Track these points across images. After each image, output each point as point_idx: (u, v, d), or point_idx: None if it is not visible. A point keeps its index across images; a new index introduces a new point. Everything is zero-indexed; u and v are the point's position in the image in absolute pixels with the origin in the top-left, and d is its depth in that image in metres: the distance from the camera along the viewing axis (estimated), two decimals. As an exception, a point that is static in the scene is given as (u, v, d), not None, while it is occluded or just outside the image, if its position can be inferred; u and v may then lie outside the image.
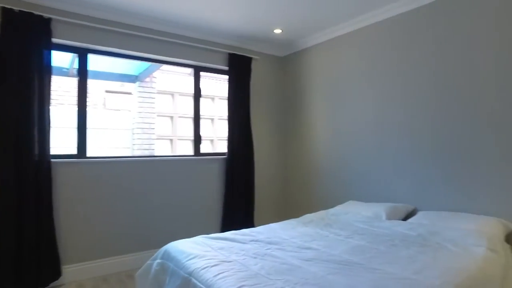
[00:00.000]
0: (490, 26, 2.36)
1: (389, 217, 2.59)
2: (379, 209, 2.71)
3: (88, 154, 2.99)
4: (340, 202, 3.37)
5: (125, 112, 4.71)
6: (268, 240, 2.13)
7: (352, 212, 2.82)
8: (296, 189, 4.04)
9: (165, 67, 4.62)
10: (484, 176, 2.38)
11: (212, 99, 6.18)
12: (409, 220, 2.49)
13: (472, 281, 1.49)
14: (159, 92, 5.10)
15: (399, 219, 2.61)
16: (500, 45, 2.32)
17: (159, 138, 5.05)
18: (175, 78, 5.38)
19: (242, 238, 2.17)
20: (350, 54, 3.38)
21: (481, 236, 1.96)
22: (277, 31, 3.56)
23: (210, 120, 6.11)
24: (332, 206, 3.32)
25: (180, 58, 3.43)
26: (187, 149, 5.34)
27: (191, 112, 3.74)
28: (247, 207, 3.76)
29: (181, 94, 5.58)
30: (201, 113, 3.68)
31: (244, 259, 1.76)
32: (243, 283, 1.43)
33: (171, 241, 2.21)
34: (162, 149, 5.06)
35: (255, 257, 1.78)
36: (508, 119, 2.27)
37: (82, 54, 2.99)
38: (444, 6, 2.62)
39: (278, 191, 4.22)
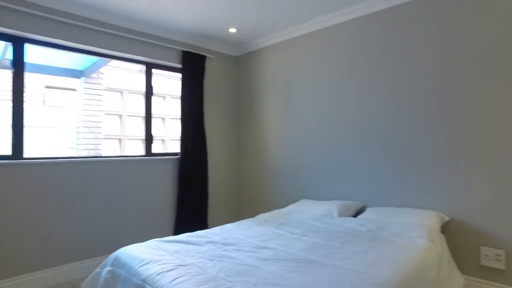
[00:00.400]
0: (432, 33, 2.58)
1: (340, 214, 2.70)
2: (331, 206, 2.82)
3: (26, 155, 2.71)
4: (294, 201, 3.45)
5: (69, 110, 4.36)
6: (225, 241, 2.10)
7: (306, 210, 2.89)
8: (250, 189, 4.05)
9: (113, 62, 4.37)
10: (423, 174, 2.59)
11: (164, 97, 5.98)
12: (359, 217, 2.62)
13: (416, 270, 1.61)
14: (107, 89, 4.80)
15: (350, 216, 2.73)
16: (439, 49, 2.53)
17: (107, 137, 4.75)
18: (124, 75, 5.11)
19: (198, 240, 2.11)
20: (303, 55, 3.47)
21: (421, 228, 2.13)
22: (232, 30, 3.54)
23: (161, 120, 5.90)
24: (286, 205, 3.39)
25: (131, 53, 3.26)
26: (137, 149, 5.10)
27: (141, 111, 3.57)
28: (201, 208, 3.69)
29: (131, 92, 5.32)
30: (152, 111, 3.54)
31: (201, 262, 1.71)
32: (201, 287, 1.39)
33: (121, 246, 2.09)
34: (110, 149, 4.77)
35: (212, 259, 1.75)
36: (442, 121, 2.49)
37: (18, 43, 2.70)
38: (396, 13, 2.80)
39: (232, 191, 4.20)
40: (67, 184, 2.84)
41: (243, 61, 4.18)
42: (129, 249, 1.93)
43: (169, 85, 5.67)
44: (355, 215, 2.77)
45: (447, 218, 2.41)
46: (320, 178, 3.31)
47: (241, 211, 4.13)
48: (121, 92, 5.19)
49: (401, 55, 2.74)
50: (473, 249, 2.36)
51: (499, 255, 2.25)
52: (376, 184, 2.88)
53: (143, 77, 3.55)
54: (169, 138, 5.90)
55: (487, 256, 2.30)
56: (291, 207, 3.07)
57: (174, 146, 5.95)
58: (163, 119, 5.92)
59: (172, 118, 5.94)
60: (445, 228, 2.41)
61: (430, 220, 2.28)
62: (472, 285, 2.32)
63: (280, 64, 3.71)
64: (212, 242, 2.07)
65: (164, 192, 3.48)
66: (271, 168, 3.78)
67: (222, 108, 4.10)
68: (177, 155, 3.61)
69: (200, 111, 3.72)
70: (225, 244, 2.03)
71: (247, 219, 2.80)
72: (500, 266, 2.25)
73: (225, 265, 1.65)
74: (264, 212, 3.10)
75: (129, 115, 5.27)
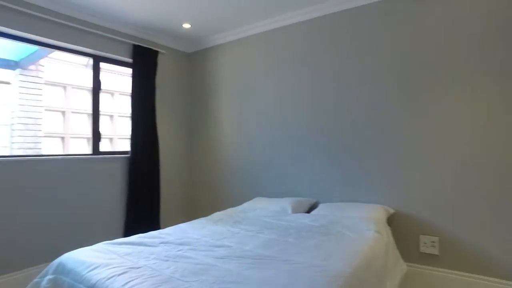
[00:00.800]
0: (378, 37, 2.74)
1: (294, 211, 2.77)
2: (285, 203, 2.88)
3: None
4: (248, 199, 3.46)
5: (1, 105, 3.93)
6: (179, 241, 2.04)
7: (260, 208, 2.92)
8: (204, 188, 3.99)
9: (56, 54, 4.03)
10: (369, 171, 2.75)
11: (112, 94, 5.66)
12: (312, 212, 2.71)
13: (366, 260, 1.70)
14: (48, 83, 4.42)
15: (303, 212, 2.81)
16: (384, 52, 2.71)
17: (48, 135, 4.37)
18: (68, 68, 4.74)
19: (151, 241, 2.03)
20: (257, 55, 3.50)
21: (370, 221, 2.25)
22: (186, 25, 3.46)
23: (109, 117, 5.58)
24: (240, 204, 3.39)
25: (76, 44, 3.04)
26: (82, 148, 4.77)
27: (87, 107, 3.35)
28: (153, 208, 3.56)
29: (75, 87, 4.95)
30: (100, 108, 3.33)
31: (155, 263, 1.65)
32: (156, 289, 1.34)
33: (65, 252, 1.94)
34: (51, 148, 4.40)
35: (167, 260, 1.69)
36: (385, 122, 2.67)
37: None
38: (346, 16, 2.93)
39: (186, 190, 4.11)
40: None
41: (197, 58, 4.10)
42: (75, 254, 1.80)
43: (118, 81, 5.38)
44: (308, 211, 2.85)
45: (392, 211, 2.58)
46: (273, 176, 3.36)
47: (195, 210, 4.05)
48: (64, 87, 4.81)
49: (350, 57, 2.88)
50: (413, 238, 2.56)
51: (434, 242, 2.47)
52: (327, 181, 2.99)
53: (89, 72, 3.33)
54: (117, 137, 5.60)
55: (425, 243, 2.51)
56: (245, 205, 3.08)
57: (123, 145, 5.68)
58: (111, 116, 5.60)
59: (121, 116, 5.65)
60: (390, 220, 2.58)
61: (377, 213, 2.43)
62: (412, 271, 2.51)
63: (235, 62, 3.70)
64: (166, 243, 2.00)
65: (113, 192, 3.30)
66: (225, 167, 3.77)
67: (175, 105, 3.99)
68: (127, 154, 3.44)
69: (151, 109, 3.58)
70: (180, 244, 1.97)
71: (201, 218, 2.76)
72: (435, 251, 2.47)
73: (180, 265, 1.61)
74: (218, 210, 3.07)
75: (73, 112, 4.91)
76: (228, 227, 2.42)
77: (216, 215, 2.83)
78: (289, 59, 3.27)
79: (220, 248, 1.90)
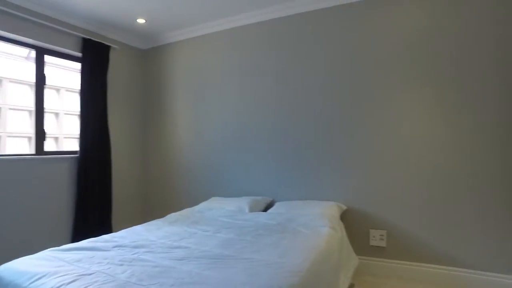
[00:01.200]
0: (324, 43, 2.86)
1: (251, 210, 2.80)
2: (242, 203, 2.89)
3: None
4: (204, 199, 3.43)
5: None
6: (134, 244, 1.97)
7: (217, 207, 2.91)
8: (159, 189, 3.88)
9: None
10: (323, 170, 2.87)
11: (58, 90, 5.27)
12: (269, 211, 2.75)
13: (322, 255, 1.77)
14: (-20, 76, 3.99)
15: (260, 211, 2.85)
16: (333, 57, 2.84)
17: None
18: (4, 61, 4.32)
19: (103, 245, 1.93)
20: (215, 54, 3.48)
21: (324, 218, 2.35)
22: (141, 21, 3.34)
23: (54, 115, 5.19)
24: (196, 204, 3.35)
25: (16, 34, 2.79)
26: (22, 148, 4.38)
27: (29, 104, 3.09)
28: (104, 211, 3.39)
29: (13, 81, 4.53)
30: (45, 105, 3.09)
31: (109, 268, 1.57)
32: (111, 295, 1.28)
33: (3, 262, 1.77)
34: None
35: (121, 264, 1.62)
36: (336, 125, 2.80)
37: None
38: (301, 19, 3.01)
39: (140, 191, 3.96)
40: None
41: (152, 55, 3.97)
42: (14, 264, 1.64)
43: (65, 76, 5.02)
44: (265, 210, 2.90)
45: (344, 207, 2.71)
46: (229, 176, 3.36)
47: (149, 212, 3.92)
48: (0, 81, 4.38)
49: (304, 61, 2.98)
50: (364, 232, 2.71)
51: (382, 235, 2.64)
52: (282, 180, 3.07)
53: (30, 65, 3.07)
54: (64, 136, 5.22)
55: (374, 237, 2.67)
56: (202, 205, 3.05)
57: (71, 144, 5.32)
58: (57, 114, 5.21)
59: (68, 114, 5.28)
60: (343, 216, 2.71)
61: (331, 210, 2.54)
62: (363, 263, 2.66)
63: (191, 60, 3.64)
64: (120, 246, 1.92)
65: (60, 195, 3.09)
66: (181, 167, 3.69)
67: (128, 104, 3.83)
68: (76, 154, 3.24)
69: (103, 106, 3.40)
70: (135, 247, 1.90)
71: (156, 219, 2.68)
72: (383, 244, 2.64)
73: (137, 268, 1.55)
74: (174, 211, 3.00)
75: (10, 109, 4.48)
76: (185, 227, 2.39)
77: (172, 216, 2.77)
78: (246, 60, 3.29)
79: (178, 250, 1.86)
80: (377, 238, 2.67)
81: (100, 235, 2.28)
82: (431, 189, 2.50)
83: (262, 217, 2.56)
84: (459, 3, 2.43)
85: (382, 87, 2.67)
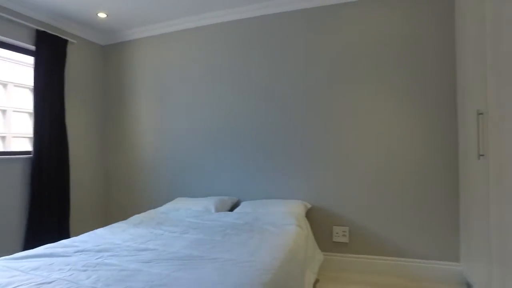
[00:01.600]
0: (289, 47, 2.93)
1: (217, 210, 2.79)
2: (208, 203, 2.88)
3: None
4: (169, 200, 3.37)
5: None
6: (98, 248, 1.89)
7: (183, 208, 2.87)
8: (121, 190, 3.74)
9: None
10: (288, 170, 2.94)
11: (5, 85, 4.87)
12: (236, 210, 2.76)
13: (290, 253, 1.81)
14: None
15: (226, 211, 2.85)
16: (303, 60, 2.91)
17: None
18: None
19: (63, 251, 1.83)
20: (178, 52, 3.42)
21: (291, 216, 2.41)
22: (102, 15, 3.19)
23: (0, 112, 4.79)
24: (161, 205, 3.28)
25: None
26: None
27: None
28: (61, 214, 3.20)
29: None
30: (-8, 101, 2.86)
31: (71, 274, 1.49)
32: (76, 302, 1.22)
33: None
34: None
35: (85, 270, 1.54)
36: (300, 125, 2.88)
37: None
38: (270, 21, 3.05)
39: (101, 193, 3.79)
40: None
41: (113, 51, 3.81)
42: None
43: (14, 70, 4.66)
44: (231, 210, 2.91)
45: (309, 205, 2.80)
46: (194, 176, 3.33)
47: (110, 214, 3.77)
48: None
49: (264, 62, 3.03)
50: (327, 229, 2.82)
51: (344, 231, 2.76)
52: (248, 179, 3.09)
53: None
54: (12, 135, 4.85)
55: (337, 233, 2.78)
56: (167, 206, 3.00)
57: (21, 144, 4.96)
58: (4, 111, 4.82)
59: (17, 111, 4.90)
60: (308, 214, 2.79)
61: (297, 208, 2.61)
62: (327, 258, 2.76)
63: (155, 58, 3.55)
64: (82, 251, 1.83)
65: (9, 199, 2.86)
66: (144, 167, 3.59)
67: (87, 102, 3.64)
68: (29, 154, 3.03)
69: (60, 104, 3.21)
70: (99, 251, 1.82)
71: (120, 222, 2.59)
72: (345, 240, 2.76)
73: (102, 273, 1.49)
74: (137, 213, 2.91)
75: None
76: (151, 229, 2.33)
77: (136, 217, 2.69)
78: (209, 59, 3.27)
79: (144, 252, 1.81)
80: (340, 234, 2.78)
81: (57, 240, 2.16)
82: (385, 188, 2.66)
83: (229, 216, 2.57)
84: (395, 11, 2.61)
85: (334, 90, 2.79)
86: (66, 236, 3.16)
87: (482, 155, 1.82)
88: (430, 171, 2.56)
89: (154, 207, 3.30)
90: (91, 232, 2.27)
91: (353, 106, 2.76)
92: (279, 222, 2.33)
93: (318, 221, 2.83)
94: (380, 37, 2.70)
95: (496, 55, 1.64)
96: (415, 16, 2.61)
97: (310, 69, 2.90)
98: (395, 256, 2.64)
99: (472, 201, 2.13)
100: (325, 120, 2.84)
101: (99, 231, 2.28)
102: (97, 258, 1.71)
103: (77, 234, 3.26)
